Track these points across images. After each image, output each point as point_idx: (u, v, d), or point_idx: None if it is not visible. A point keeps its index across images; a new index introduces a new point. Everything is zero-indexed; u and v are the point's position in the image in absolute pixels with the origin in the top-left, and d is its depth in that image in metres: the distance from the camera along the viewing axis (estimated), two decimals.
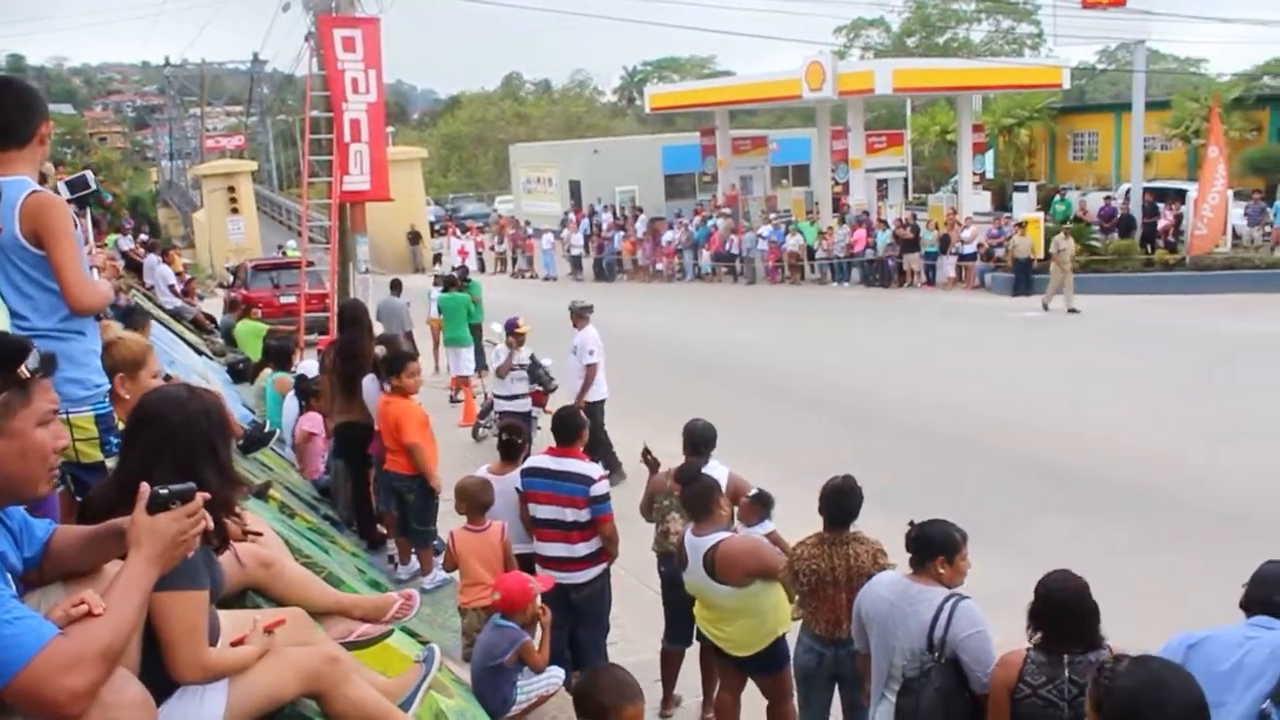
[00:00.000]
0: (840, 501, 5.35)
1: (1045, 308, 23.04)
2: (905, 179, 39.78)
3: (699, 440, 6.74)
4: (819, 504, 5.43)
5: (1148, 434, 13.53)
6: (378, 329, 11.60)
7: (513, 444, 7.14)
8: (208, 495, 2.66)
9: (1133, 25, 27.20)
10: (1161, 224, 28.39)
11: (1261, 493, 10.96)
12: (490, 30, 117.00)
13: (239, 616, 3.33)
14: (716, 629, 5.94)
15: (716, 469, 6.58)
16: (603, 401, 12.25)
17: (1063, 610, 3.87)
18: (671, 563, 6.59)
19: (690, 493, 5.94)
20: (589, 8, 35.68)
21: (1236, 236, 27.58)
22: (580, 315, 12.31)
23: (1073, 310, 22.61)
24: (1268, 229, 28.12)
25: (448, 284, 17.31)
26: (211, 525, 2.73)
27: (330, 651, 3.43)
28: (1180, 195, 29.78)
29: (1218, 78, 52.52)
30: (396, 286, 16.41)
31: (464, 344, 16.19)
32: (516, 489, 6.70)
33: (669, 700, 6.88)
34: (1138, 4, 26.63)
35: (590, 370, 11.99)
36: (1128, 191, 30.10)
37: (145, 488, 2.54)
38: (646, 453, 6.95)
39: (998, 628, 4.44)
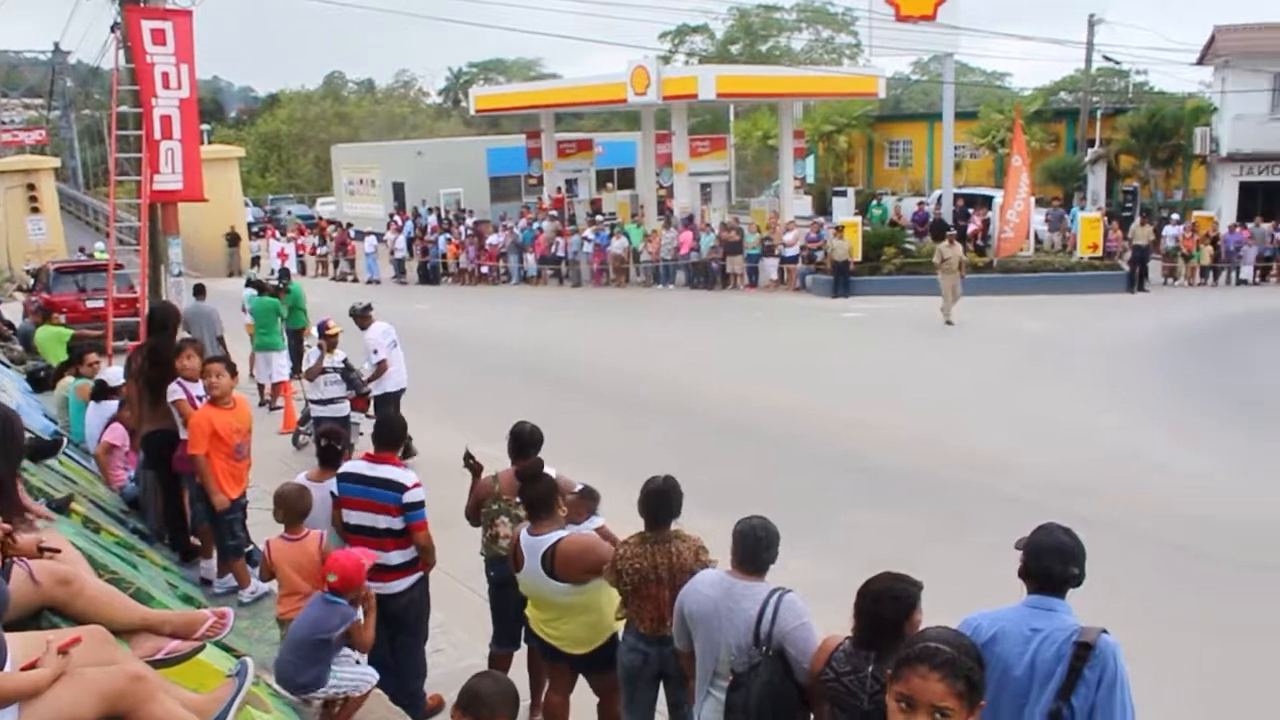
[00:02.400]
0: (660, 502, 5.38)
1: (949, 322, 21.80)
2: (728, 183, 40.50)
3: (526, 442, 6.69)
4: (639, 505, 5.46)
5: (958, 428, 14.13)
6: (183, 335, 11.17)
7: (331, 450, 6.96)
8: (7, 527, 2.51)
9: (942, 39, 28.30)
10: (971, 228, 29.72)
11: (1061, 482, 11.57)
12: (311, 27, 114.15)
13: (31, 638, 3.16)
14: (552, 629, 5.91)
15: None
16: (401, 391, 12.57)
17: (874, 615, 3.98)
18: (500, 567, 6.54)
19: (533, 491, 5.87)
20: (413, 7, 35.20)
21: (1038, 241, 29.04)
22: (363, 316, 12.61)
23: (949, 322, 21.72)
24: (1066, 234, 29.68)
25: (257, 287, 16.83)
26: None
27: (133, 670, 3.28)
28: (988, 201, 31.24)
29: (1020, 91, 55.14)
30: (200, 291, 15.83)
31: (275, 349, 15.78)
32: (331, 493, 6.53)
33: None
34: (947, 19, 27.72)
35: (380, 366, 12.31)
36: (939, 197, 31.33)
37: None
38: (469, 457, 6.85)
39: (818, 619, 4.54)
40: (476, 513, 6.69)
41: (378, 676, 5.57)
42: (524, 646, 6.68)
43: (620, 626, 5.72)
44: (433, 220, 36.76)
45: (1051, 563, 3.92)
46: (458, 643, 7.72)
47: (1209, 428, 14.17)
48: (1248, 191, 33.63)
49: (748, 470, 12.32)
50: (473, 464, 6.80)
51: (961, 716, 2.68)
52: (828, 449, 13.33)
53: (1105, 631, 3.79)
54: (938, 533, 10.20)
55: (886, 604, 3.96)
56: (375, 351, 12.36)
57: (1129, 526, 10.25)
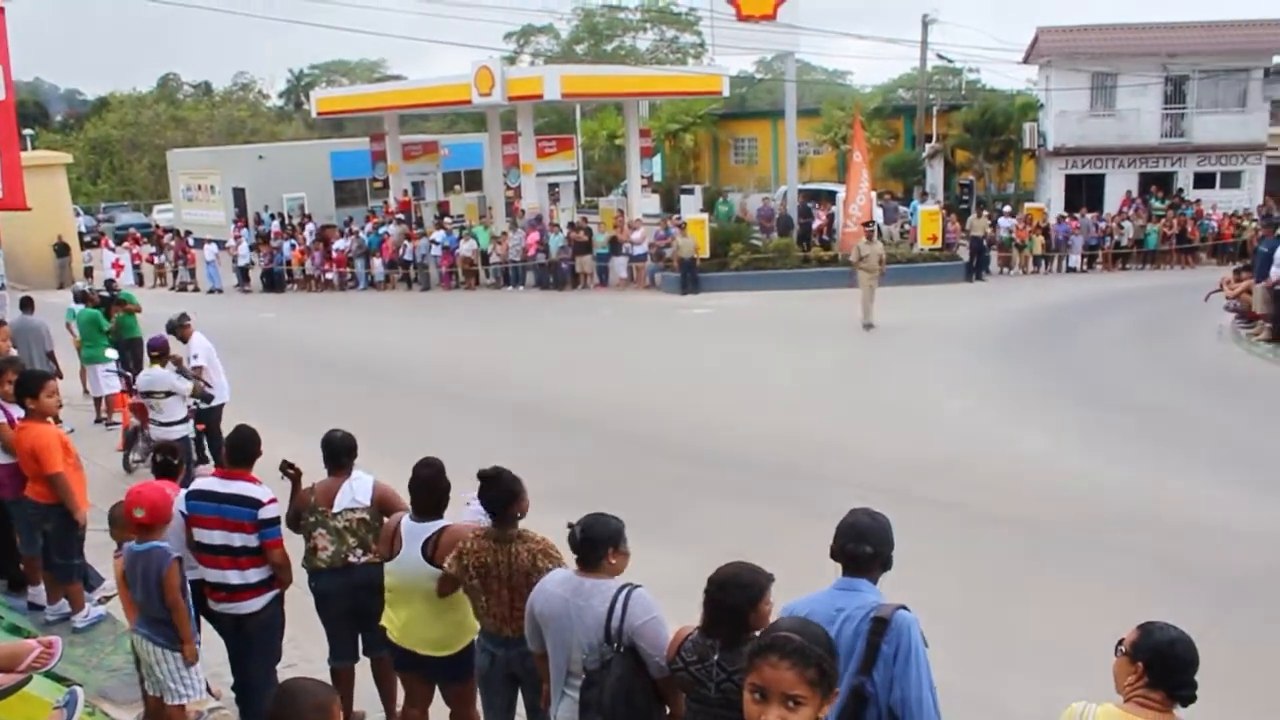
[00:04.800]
0: (491, 491, 5.30)
1: (868, 325, 20.63)
2: (577, 183, 40.55)
3: (339, 450, 6.50)
4: (480, 500, 5.38)
5: (809, 418, 14.43)
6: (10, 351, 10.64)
7: (168, 464, 6.70)
8: None
9: (783, 38, 28.82)
10: (816, 224, 30.31)
11: (911, 466, 11.92)
12: (141, 27, 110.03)
13: None
14: (415, 632, 5.76)
15: (360, 478, 6.43)
16: (221, 405, 12.36)
17: (719, 603, 4.02)
18: (321, 578, 6.38)
19: (425, 497, 5.74)
20: (249, 6, 34.29)
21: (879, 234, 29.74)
22: (183, 327, 12.41)
23: (869, 325, 20.59)
24: (905, 227, 30.56)
25: (82, 299, 16.18)
26: None
27: None
28: (831, 196, 31.96)
29: (861, 89, 56.64)
30: (28, 304, 15.11)
31: (100, 362, 15.14)
32: (180, 512, 6.27)
33: (350, 719, 6.66)
34: (787, 18, 28.25)
35: (197, 371, 12.03)
36: (785, 193, 31.91)
37: None
38: (287, 466, 6.62)
39: (673, 614, 4.55)
40: (297, 521, 6.51)
41: (201, 695, 5.48)
42: (365, 660, 6.59)
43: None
44: (275, 226, 35.86)
45: (845, 541, 4.08)
46: (309, 657, 7.52)
47: (1047, 407, 14.76)
48: (1073, 183, 35.29)
49: (603, 468, 12.31)
50: (291, 472, 6.60)
51: (814, 704, 2.71)
52: (681, 444, 13.41)
53: (903, 607, 3.91)
54: (790, 522, 10.32)
55: (731, 591, 3.99)
56: (195, 356, 12.06)
57: (974, 505, 10.62)
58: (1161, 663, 3.48)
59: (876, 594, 3.97)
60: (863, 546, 4.05)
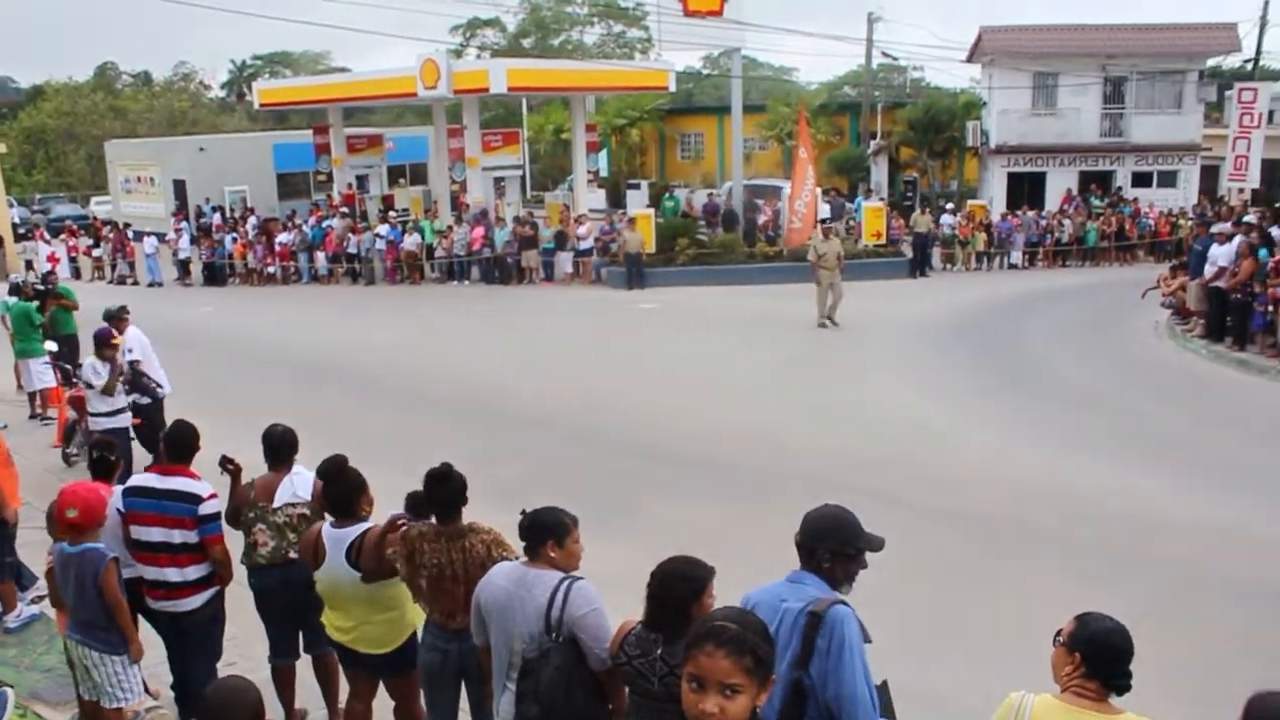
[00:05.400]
0: (441, 490, 5.29)
1: (829, 323, 20.73)
2: (523, 177, 40.35)
3: (279, 446, 6.45)
4: (424, 497, 5.34)
5: (756, 413, 14.49)
6: None
7: (104, 460, 6.57)
8: None
9: (729, 34, 28.92)
10: (761, 219, 30.42)
11: (857, 459, 12.01)
12: (79, 14, 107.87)
13: None
14: (353, 631, 5.71)
15: (301, 474, 6.38)
16: (162, 401, 12.25)
17: (661, 598, 4.03)
18: (262, 575, 6.32)
19: (334, 492, 5.69)
20: None
21: None
22: (119, 319, 12.18)
23: (832, 323, 20.70)
24: (850, 223, 30.78)
25: (13, 290, 15.90)
26: None
27: None
28: (777, 192, 32.09)
29: (807, 86, 56.97)
30: None
31: (34, 355, 14.87)
32: (118, 510, 6.17)
33: (292, 717, 6.59)
34: (734, 14, 28.35)
35: (134, 366, 11.94)
36: (730, 189, 32.00)
37: None
38: (227, 461, 6.54)
39: (619, 607, 4.54)
40: (237, 517, 6.44)
41: (140, 697, 5.42)
42: (307, 657, 6.54)
43: (419, 622, 5.61)
44: (217, 219, 35.37)
45: (800, 533, 4.08)
46: (250, 654, 7.43)
47: (988, 401, 14.93)
48: (1014, 181, 35.73)
49: (549, 462, 12.29)
50: (231, 468, 6.52)
51: (751, 692, 2.72)
52: (626, 438, 13.41)
53: (842, 602, 3.90)
54: (737, 516, 10.38)
55: (673, 585, 4.00)
56: (130, 350, 11.91)
57: (916, 498, 10.69)
58: (1097, 652, 3.53)
59: (820, 587, 3.96)
60: (796, 535, 4.08)
